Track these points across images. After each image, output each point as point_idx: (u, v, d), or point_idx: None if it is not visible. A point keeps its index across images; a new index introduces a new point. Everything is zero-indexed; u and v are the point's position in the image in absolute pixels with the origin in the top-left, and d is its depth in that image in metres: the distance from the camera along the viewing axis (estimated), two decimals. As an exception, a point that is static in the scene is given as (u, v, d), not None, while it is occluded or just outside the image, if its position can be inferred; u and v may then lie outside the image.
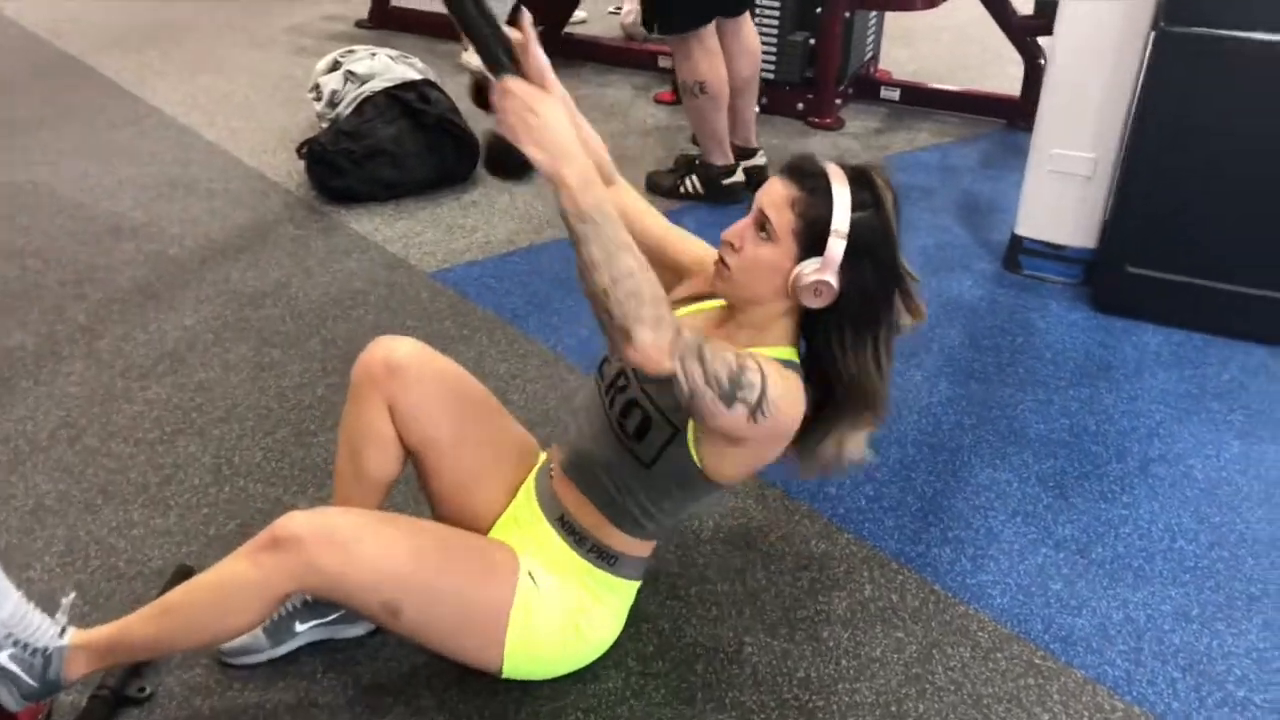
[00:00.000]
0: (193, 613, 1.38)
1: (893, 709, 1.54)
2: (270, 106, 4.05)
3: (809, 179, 1.34)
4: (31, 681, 1.35)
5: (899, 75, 4.43)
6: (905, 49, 4.86)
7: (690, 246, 1.60)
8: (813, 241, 1.33)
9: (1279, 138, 2.32)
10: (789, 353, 1.42)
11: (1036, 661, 1.62)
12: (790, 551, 1.84)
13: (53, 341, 2.42)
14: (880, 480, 2.02)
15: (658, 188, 3.33)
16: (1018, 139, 3.99)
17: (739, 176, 3.26)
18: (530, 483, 1.59)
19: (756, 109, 3.40)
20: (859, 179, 1.35)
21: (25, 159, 3.44)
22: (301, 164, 3.33)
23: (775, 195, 1.35)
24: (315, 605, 1.59)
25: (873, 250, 1.34)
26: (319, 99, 3.53)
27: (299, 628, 1.59)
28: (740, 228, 1.39)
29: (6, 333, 2.45)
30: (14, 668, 1.34)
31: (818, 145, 3.85)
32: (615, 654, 1.59)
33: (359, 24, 5.33)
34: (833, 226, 1.31)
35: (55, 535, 1.83)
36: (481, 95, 1.30)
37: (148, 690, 1.52)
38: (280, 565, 1.34)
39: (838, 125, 4.02)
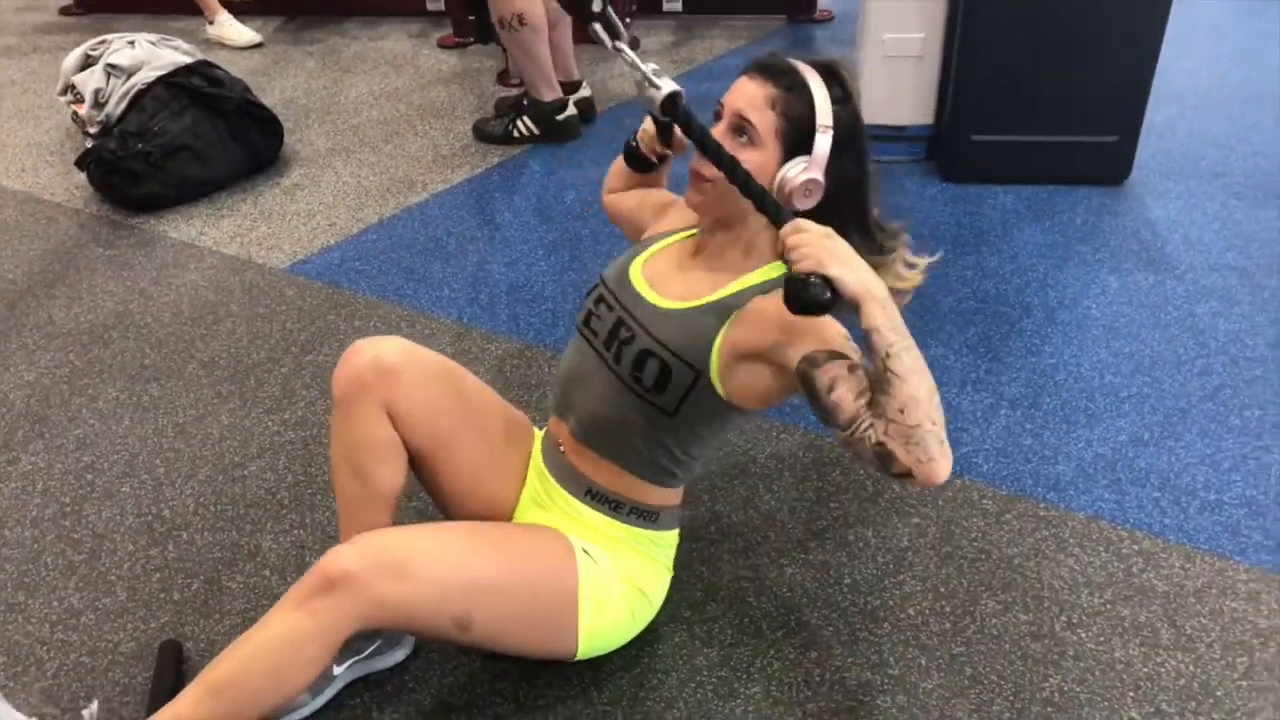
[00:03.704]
0: (249, 683, 1.22)
1: (941, 590, 1.60)
2: (2, 120, 3.52)
3: (784, 76, 1.29)
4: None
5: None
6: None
7: (650, 194, 1.61)
8: (797, 140, 1.28)
9: (1087, -5, 2.52)
10: (779, 268, 1.39)
11: (1041, 514, 1.74)
12: (784, 468, 1.86)
13: None
14: (833, 381, 2.07)
15: (488, 136, 3.19)
16: (803, 31, 4.14)
17: (571, 110, 3.18)
18: (538, 462, 1.51)
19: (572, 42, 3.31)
20: (829, 72, 1.31)
21: None
22: (80, 178, 2.93)
23: (751, 96, 1.29)
24: (350, 642, 1.44)
25: (850, 142, 1.31)
26: (79, 101, 3.10)
27: (336, 670, 1.45)
28: (716, 135, 1.31)
29: None
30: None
31: (624, 68, 3.80)
32: (669, 609, 1.55)
33: (65, 10, 4.71)
34: (818, 122, 1.27)
35: (-12, 650, 1.56)
36: (631, 158, 1.60)
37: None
38: (339, 606, 1.21)
39: (634, 45, 3.98)
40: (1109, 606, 1.56)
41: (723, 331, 1.32)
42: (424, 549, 1.28)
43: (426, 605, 1.26)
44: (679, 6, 4.24)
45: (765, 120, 1.28)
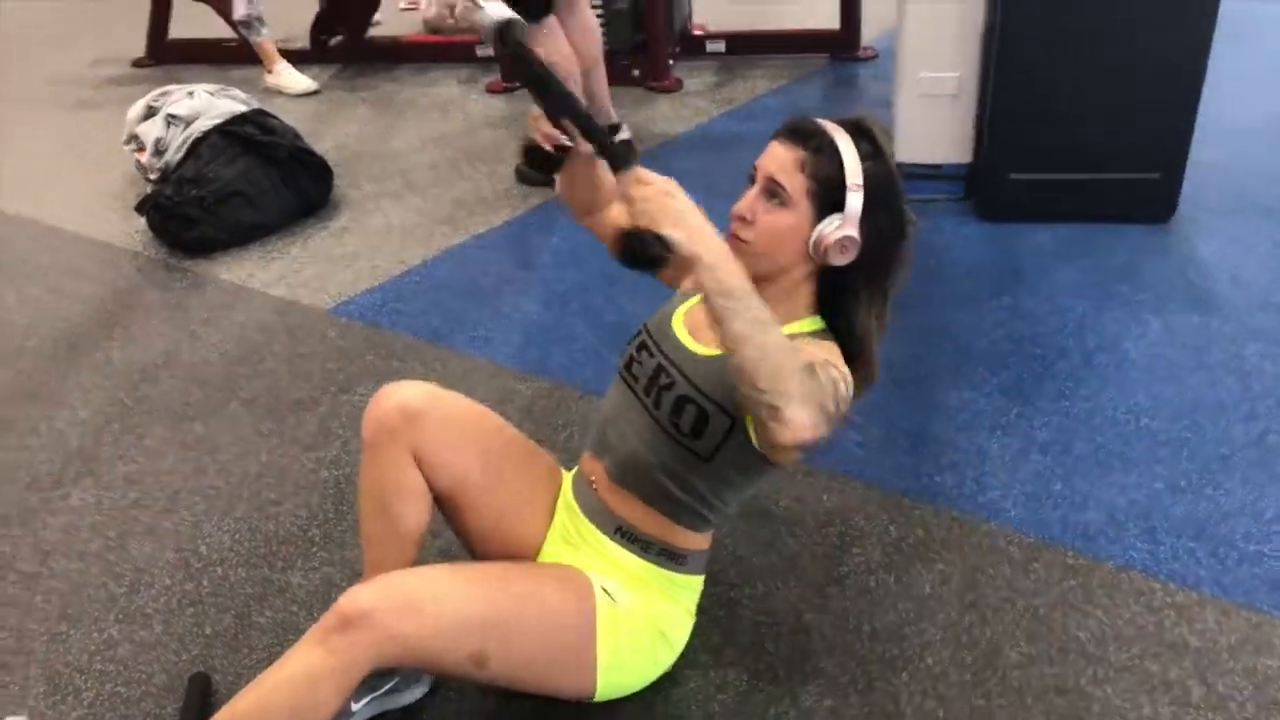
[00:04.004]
0: (270, 719, 1.25)
1: (963, 639, 1.58)
2: (69, 168, 3.69)
3: (812, 138, 1.33)
4: None
5: (713, 28, 4.49)
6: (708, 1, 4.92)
7: None
8: (828, 200, 1.32)
9: (1123, 34, 2.50)
10: (816, 322, 1.42)
11: (1069, 562, 1.70)
12: (807, 512, 1.85)
13: (-69, 469, 2.13)
14: (861, 424, 2.06)
15: (530, 179, 3.25)
16: (846, 69, 4.15)
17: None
18: (569, 500, 1.53)
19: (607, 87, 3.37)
20: (857, 130, 1.35)
21: None
22: (140, 222, 3.05)
23: (781, 159, 1.34)
24: (369, 678, 1.46)
25: (884, 198, 1.34)
26: (140, 149, 3.24)
27: (355, 706, 1.47)
28: (749, 200, 1.36)
29: None
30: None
31: (667, 109, 3.86)
32: (687, 653, 1.55)
33: (137, 63, 4.92)
34: (847, 181, 1.31)
35: (29, 676, 1.62)
36: (534, 159, 1.36)
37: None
38: (356, 644, 1.24)
39: (676, 86, 4.04)
40: (1137, 661, 1.53)
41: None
42: (441, 588, 1.31)
43: (443, 643, 1.28)
44: (722, 48, 4.29)
45: (795, 183, 1.32)
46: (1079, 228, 2.72)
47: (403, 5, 5.41)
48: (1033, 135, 2.64)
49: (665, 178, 1.20)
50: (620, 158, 1.25)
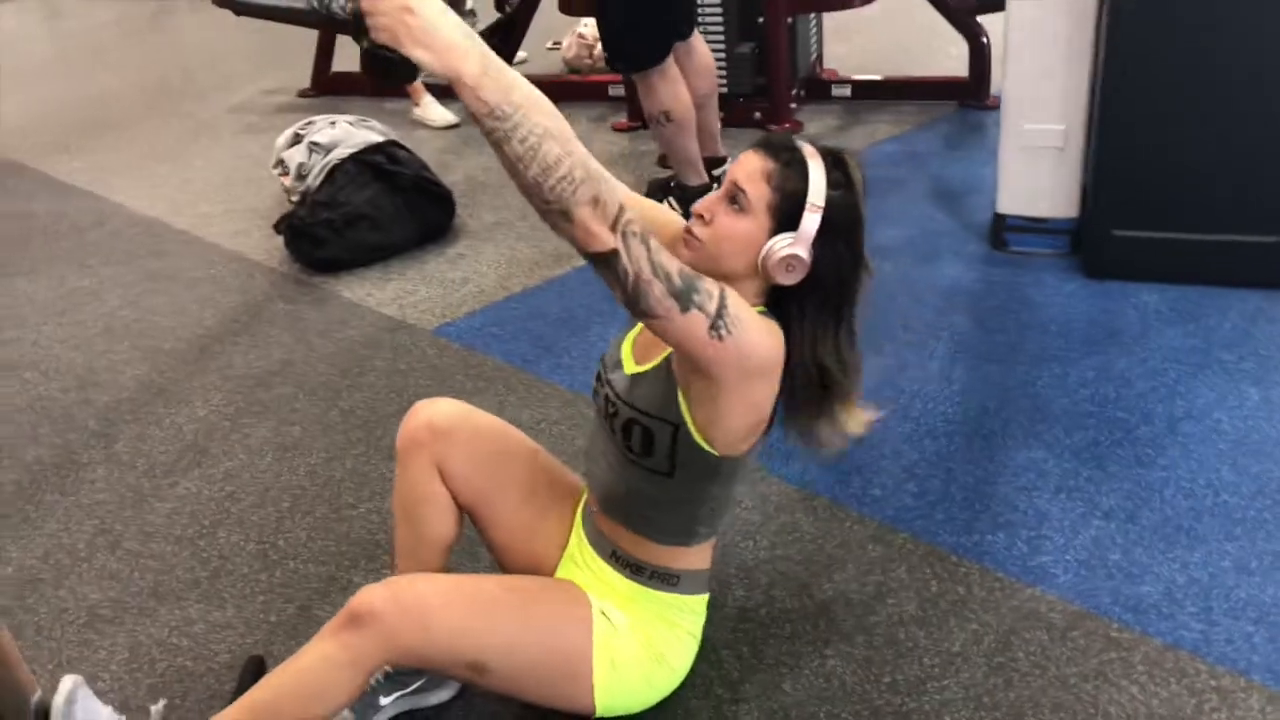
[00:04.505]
0: (284, 705, 1.36)
1: (985, 700, 1.55)
2: (233, 188, 4.03)
3: (784, 152, 1.33)
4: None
5: (844, 72, 4.51)
6: (843, 44, 4.94)
7: (662, 216, 1.52)
8: (787, 215, 1.31)
9: (1243, 83, 2.39)
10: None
11: (1113, 635, 1.65)
12: (850, 559, 1.86)
13: (69, 450, 2.39)
14: (921, 475, 2.04)
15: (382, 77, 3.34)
16: (973, 117, 4.09)
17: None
18: (578, 524, 1.60)
19: (719, 122, 3.46)
20: (832, 158, 1.35)
21: (-1, 271, 3.40)
22: (279, 240, 3.31)
23: (750, 167, 1.33)
24: (397, 676, 1.57)
25: (844, 230, 1.33)
26: (285, 173, 3.53)
27: (384, 701, 1.58)
28: (712, 200, 1.35)
29: (21, 448, 2.41)
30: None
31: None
32: (701, 684, 1.59)
33: (302, 94, 5.32)
34: (809, 200, 1.30)
35: (116, 643, 1.80)
36: (382, 72, 1.13)
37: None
38: (364, 641, 1.33)
39: (797, 129, 4.08)
40: (1167, 742, 1.47)
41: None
42: (445, 597, 1.39)
43: (444, 650, 1.37)
44: (848, 92, 4.30)
45: (758, 191, 1.32)
46: (1191, 289, 2.61)
47: (549, 45, 5.66)
48: (1139, 191, 2.56)
49: None
50: None
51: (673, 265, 1.21)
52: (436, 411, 1.56)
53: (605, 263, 1.18)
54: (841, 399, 1.42)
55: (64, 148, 4.67)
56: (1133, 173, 2.55)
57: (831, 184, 1.32)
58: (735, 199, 1.33)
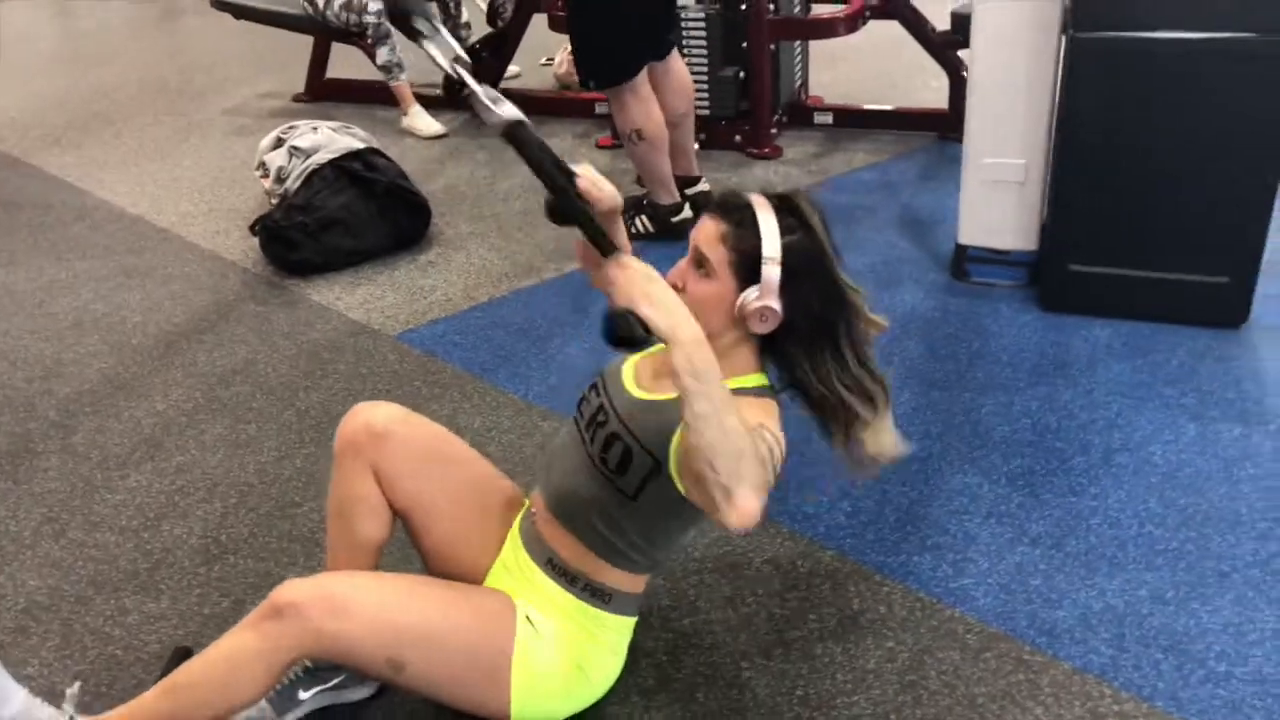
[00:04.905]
0: (199, 689, 1.40)
1: (891, 716, 1.58)
2: (217, 188, 4.08)
3: (735, 212, 1.42)
4: (46, 776, 1.35)
5: (829, 99, 4.56)
6: (829, 72, 4.99)
7: None
8: (749, 271, 1.40)
9: (1197, 128, 2.43)
10: (758, 379, 1.48)
11: (1025, 657, 1.67)
12: (777, 574, 1.88)
13: (27, 439, 2.42)
14: (856, 496, 2.07)
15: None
16: (951, 149, 4.10)
17: (686, 213, 3.34)
18: (515, 529, 1.63)
19: (696, 144, 3.50)
20: (783, 205, 1.43)
21: (-23, 260, 3.44)
22: (256, 241, 3.35)
23: (708, 233, 1.42)
24: (317, 671, 1.60)
25: (808, 270, 1.41)
26: (266, 176, 3.57)
27: (303, 695, 1.60)
28: (681, 268, 1.45)
29: (-23, 436, 2.45)
30: (27, 765, 1.34)
31: (760, 173, 3.95)
32: (618, 690, 1.62)
33: (296, 98, 5.37)
34: (764, 254, 1.38)
35: (50, 630, 1.83)
36: (554, 213, 1.41)
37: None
38: (282, 632, 1.37)
39: (776, 154, 4.12)
40: (1066, 764, 1.49)
41: (682, 427, 1.41)
42: (366, 594, 1.42)
43: (361, 644, 1.40)
44: (829, 119, 4.35)
45: (718, 254, 1.41)
46: (1144, 325, 2.64)
47: (543, 61, 5.72)
48: (1095, 227, 2.60)
49: (646, 264, 1.28)
50: (606, 248, 1.35)
51: (761, 478, 1.23)
52: (375, 415, 1.60)
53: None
54: (871, 418, 1.48)
55: (57, 142, 4.72)
56: (1089, 209, 2.59)
57: (785, 230, 1.39)
58: (700, 264, 1.42)
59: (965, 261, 2.93)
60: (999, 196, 2.79)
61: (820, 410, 1.50)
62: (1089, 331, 2.64)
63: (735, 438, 1.19)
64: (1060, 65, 2.59)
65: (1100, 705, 1.58)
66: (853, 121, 4.35)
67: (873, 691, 1.62)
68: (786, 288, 1.39)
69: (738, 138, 4.13)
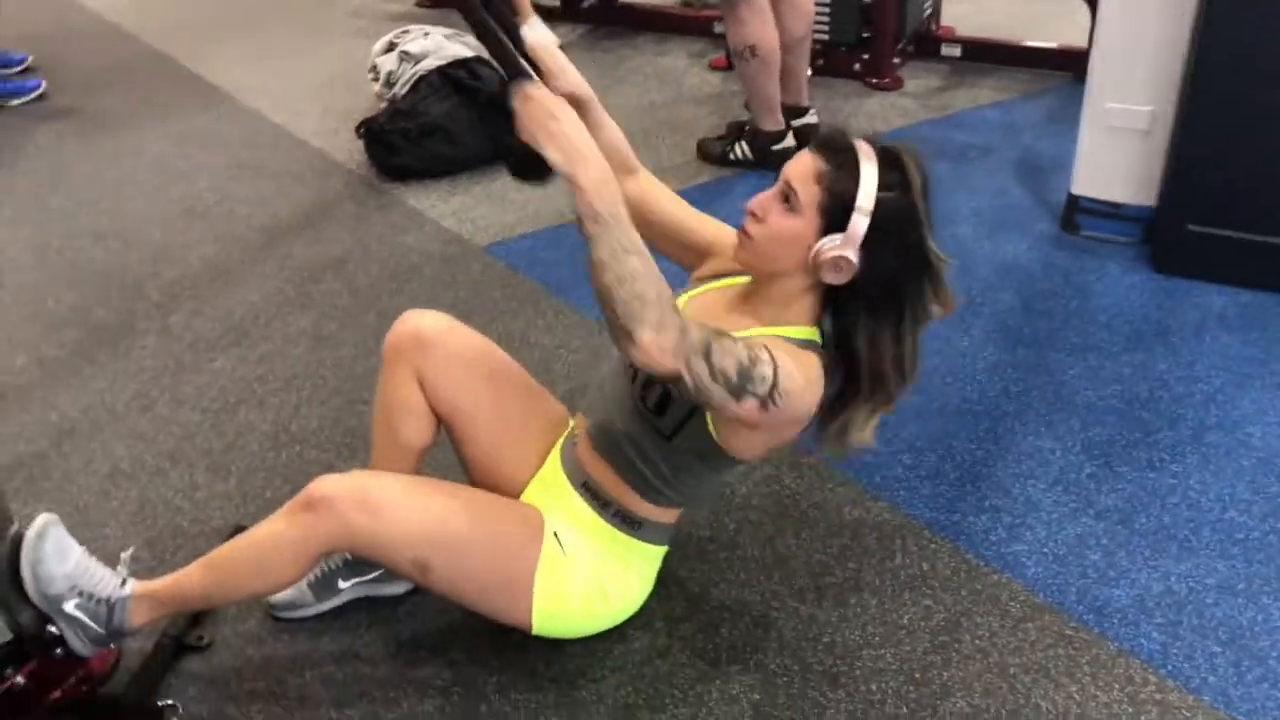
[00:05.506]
0: (236, 568, 1.47)
1: (916, 675, 1.55)
2: (333, 89, 4.15)
3: (838, 154, 1.35)
4: (98, 628, 1.45)
5: (962, 31, 4.32)
6: (970, 3, 4.71)
7: (709, 226, 1.62)
8: (837, 217, 1.34)
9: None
10: (809, 332, 1.43)
11: (1068, 632, 1.61)
12: (823, 519, 1.85)
13: (131, 318, 2.56)
14: (919, 448, 2.01)
15: (708, 155, 3.33)
16: (1083, 91, 3.87)
17: (789, 142, 3.23)
18: (557, 449, 1.64)
19: (809, 71, 3.37)
20: (889, 159, 1.36)
21: (111, 147, 3.60)
22: (361, 144, 3.41)
23: (803, 168, 1.37)
24: (356, 564, 1.67)
25: (897, 232, 1.35)
26: (377, 79, 3.61)
27: (342, 585, 1.67)
28: (765, 198, 1.40)
29: (90, 310, 2.59)
30: (81, 615, 1.44)
31: (875, 106, 3.79)
32: (644, 615, 1.63)
33: (418, 3, 5.39)
34: (857, 203, 1.33)
35: (129, 497, 1.95)
36: (519, 166, 1.29)
37: (206, 639, 1.63)
38: (315, 525, 1.42)
39: (896, 85, 3.94)
40: (1091, 746, 1.44)
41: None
42: (398, 495, 1.46)
43: (390, 543, 1.44)
44: (957, 52, 4.12)
45: (809, 192, 1.35)
46: (1265, 297, 2.45)
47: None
48: (1220, 186, 2.40)
49: (556, 97, 1.23)
50: (511, 68, 1.24)
51: (729, 362, 1.25)
52: (424, 322, 1.62)
53: (666, 378, 1.25)
54: (888, 406, 1.44)
55: (193, 35, 4.87)
56: (1215, 166, 2.39)
57: (884, 186, 1.33)
58: (787, 198, 1.37)
59: (1076, 213, 2.76)
60: (1119, 145, 2.60)
61: (851, 380, 1.44)
62: (1201, 298, 2.46)
63: (636, 283, 1.18)
64: (1198, 7, 2.37)
65: (1141, 691, 1.51)
66: (982, 55, 4.11)
67: (902, 648, 1.59)
68: (869, 243, 1.33)
69: (856, 66, 3.96)
